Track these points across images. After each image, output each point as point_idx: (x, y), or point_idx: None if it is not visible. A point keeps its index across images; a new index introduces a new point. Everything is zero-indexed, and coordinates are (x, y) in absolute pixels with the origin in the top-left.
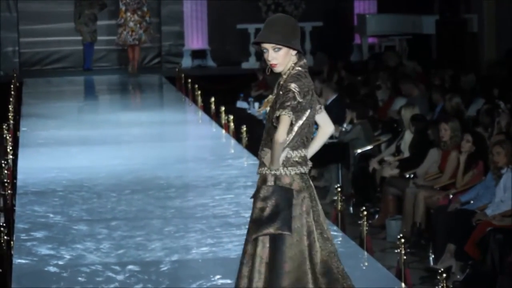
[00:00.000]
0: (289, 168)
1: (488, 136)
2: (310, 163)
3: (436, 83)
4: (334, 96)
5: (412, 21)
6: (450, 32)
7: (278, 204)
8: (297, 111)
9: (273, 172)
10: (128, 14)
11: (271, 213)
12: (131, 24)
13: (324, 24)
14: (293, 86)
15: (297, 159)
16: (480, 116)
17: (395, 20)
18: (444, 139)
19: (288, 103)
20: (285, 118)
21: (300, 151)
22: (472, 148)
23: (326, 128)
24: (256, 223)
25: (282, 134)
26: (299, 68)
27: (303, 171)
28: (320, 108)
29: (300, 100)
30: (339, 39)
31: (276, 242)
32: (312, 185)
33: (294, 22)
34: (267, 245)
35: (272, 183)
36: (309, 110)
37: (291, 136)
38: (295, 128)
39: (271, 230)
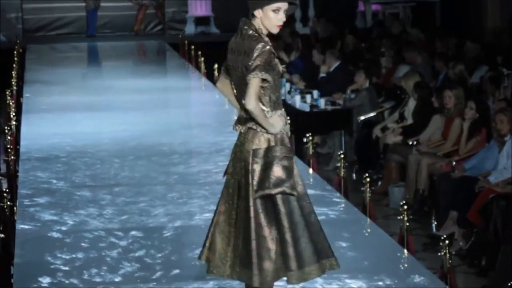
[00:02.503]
0: None
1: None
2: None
3: (440, 50)
4: (337, 63)
5: None
6: None
7: None
8: None
9: None
10: None
11: None
12: None
13: None
14: None
15: None
16: (483, 84)
17: None
18: (448, 106)
19: None
20: None
21: None
22: (475, 115)
23: None
24: None
25: None
26: None
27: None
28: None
29: None
30: (343, 6)
31: None
32: (243, 169)
33: None
34: None
35: None
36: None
37: None
38: None
39: None
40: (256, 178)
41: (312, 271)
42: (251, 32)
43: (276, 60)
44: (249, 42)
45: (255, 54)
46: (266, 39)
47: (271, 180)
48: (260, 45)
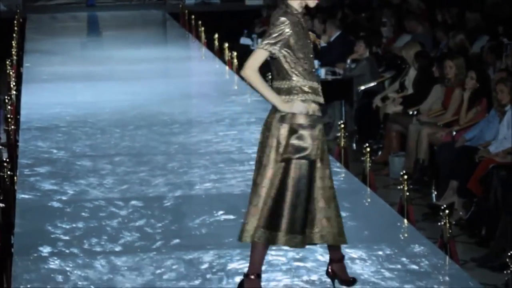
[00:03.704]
0: None
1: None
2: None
3: (440, 20)
4: (337, 33)
5: None
6: None
7: None
8: None
9: None
10: None
11: None
12: None
13: None
14: None
15: None
16: (484, 53)
17: None
18: (448, 76)
19: None
20: None
21: None
22: (476, 85)
23: None
24: None
25: None
26: None
27: None
28: None
29: None
30: None
31: None
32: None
33: None
34: None
35: None
36: None
37: None
38: None
39: None
40: (282, 142)
41: (296, 240)
42: (281, 6)
43: (308, 32)
44: (274, 16)
45: (270, 28)
46: (291, 15)
47: (292, 146)
48: (277, 20)
